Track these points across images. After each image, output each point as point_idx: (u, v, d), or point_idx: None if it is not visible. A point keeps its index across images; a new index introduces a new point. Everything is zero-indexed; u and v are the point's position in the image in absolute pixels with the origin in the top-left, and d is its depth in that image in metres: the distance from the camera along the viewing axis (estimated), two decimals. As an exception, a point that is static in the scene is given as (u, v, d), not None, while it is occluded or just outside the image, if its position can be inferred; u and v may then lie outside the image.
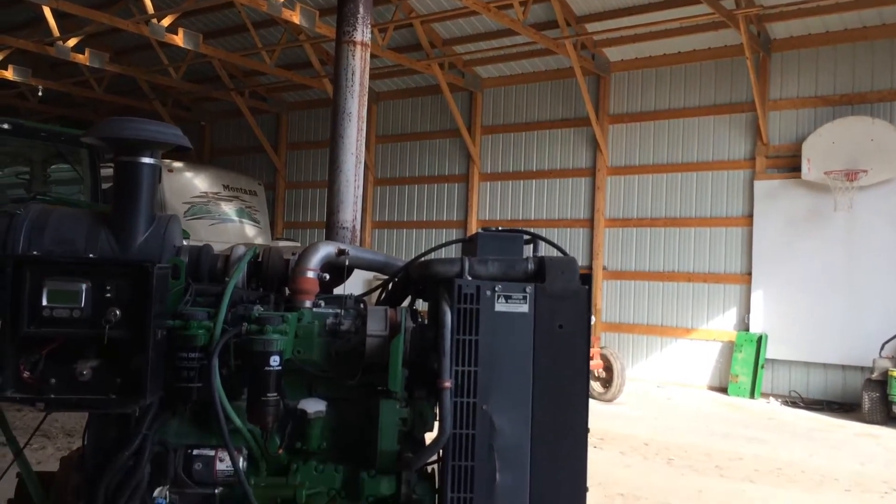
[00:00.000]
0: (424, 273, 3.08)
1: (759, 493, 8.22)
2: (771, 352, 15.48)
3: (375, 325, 3.00)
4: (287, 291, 3.31)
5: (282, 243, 16.83)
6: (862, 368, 14.01)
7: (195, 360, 2.93)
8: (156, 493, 2.85)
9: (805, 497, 8.21)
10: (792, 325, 15.12)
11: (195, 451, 2.94)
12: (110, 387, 2.75)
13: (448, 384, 2.89)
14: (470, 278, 2.98)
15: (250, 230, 18.74)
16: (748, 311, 15.79)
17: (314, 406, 3.02)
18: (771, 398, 15.16)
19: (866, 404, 13.34)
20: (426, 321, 3.12)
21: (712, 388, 15.85)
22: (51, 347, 2.78)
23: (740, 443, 10.83)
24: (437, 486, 3.06)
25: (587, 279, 3.03)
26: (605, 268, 17.10)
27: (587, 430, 2.98)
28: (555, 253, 3.20)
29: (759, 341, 15.68)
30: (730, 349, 15.94)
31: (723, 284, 16.00)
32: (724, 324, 15.97)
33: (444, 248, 3.55)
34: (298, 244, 17.18)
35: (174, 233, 3.18)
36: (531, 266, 3.03)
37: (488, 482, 2.91)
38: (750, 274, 15.60)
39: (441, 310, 2.94)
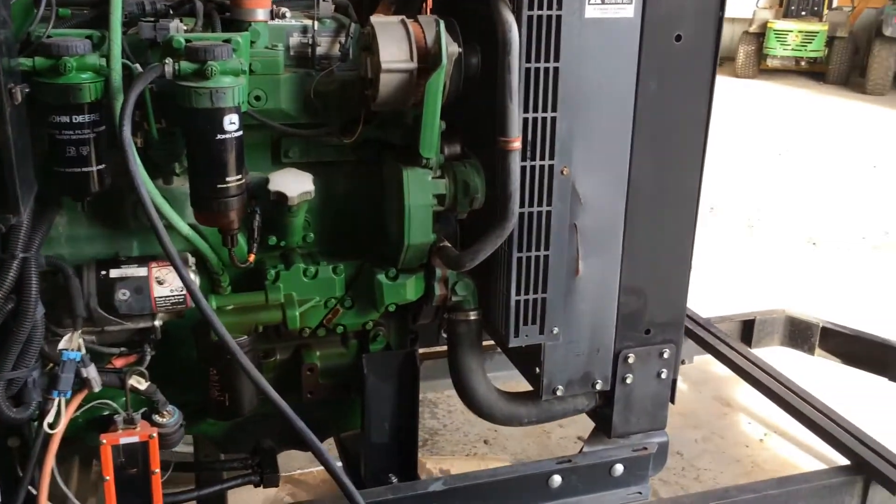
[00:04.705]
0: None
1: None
2: None
3: (393, 52, 1.79)
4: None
5: None
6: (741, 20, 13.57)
7: (85, 126, 1.68)
8: (62, 345, 1.76)
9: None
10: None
11: (114, 272, 1.81)
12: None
13: (517, 143, 1.83)
14: (544, -36, 1.78)
15: None
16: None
17: (296, 183, 1.90)
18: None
19: (740, 58, 13.24)
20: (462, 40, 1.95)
21: None
22: None
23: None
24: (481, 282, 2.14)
25: (722, -38, 1.91)
26: None
27: (699, 196, 2.08)
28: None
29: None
30: None
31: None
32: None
33: None
34: None
35: None
36: (636, -60, 1.85)
37: (567, 275, 2.02)
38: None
39: (501, 21, 1.77)
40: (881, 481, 2.36)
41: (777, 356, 3.46)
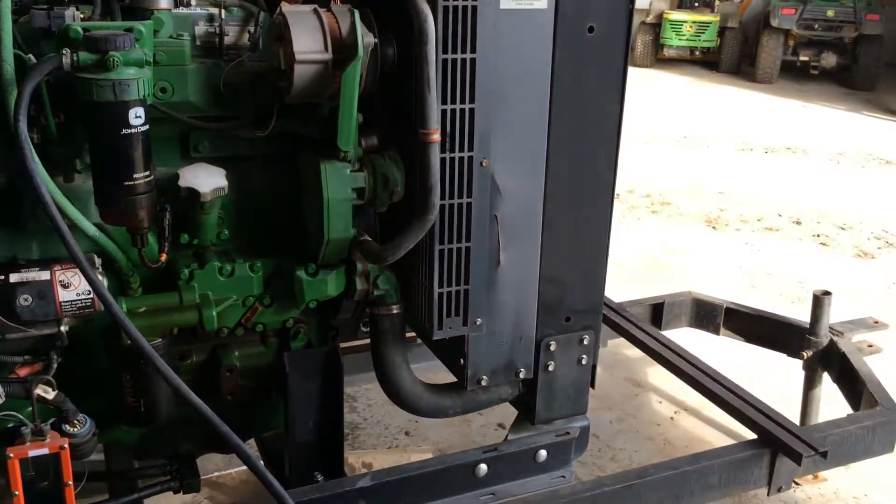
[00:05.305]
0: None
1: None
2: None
3: (307, 43, 1.75)
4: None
5: None
6: (638, 11, 13.97)
7: (-25, 121, 1.58)
8: (-41, 356, 1.65)
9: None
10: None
11: (14, 277, 1.71)
12: None
13: (437, 135, 1.81)
14: (459, -46, 1.77)
15: None
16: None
17: (209, 179, 1.83)
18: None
19: (639, 48, 13.62)
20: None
21: None
22: None
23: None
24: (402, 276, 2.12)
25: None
26: None
27: (614, 186, 2.11)
28: None
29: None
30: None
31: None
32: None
33: None
34: None
35: None
36: (549, -69, 1.86)
37: (489, 266, 2.02)
38: None
39: (417, 12, 1.74)
40: (787, 453, 2.46)
41: (685, 337, 3.58)
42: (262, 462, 2.46)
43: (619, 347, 4.25)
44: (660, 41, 13.55)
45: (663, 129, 9.64)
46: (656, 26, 13.49)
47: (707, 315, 3.64)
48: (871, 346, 3.34)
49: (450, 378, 2.27)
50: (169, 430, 2.12)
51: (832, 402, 3.33)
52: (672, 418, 3.85)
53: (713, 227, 6.44)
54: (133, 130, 1.63)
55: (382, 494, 2.05)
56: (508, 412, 3.41)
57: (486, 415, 3.68)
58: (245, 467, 3.19)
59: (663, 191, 7.25)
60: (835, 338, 3.25)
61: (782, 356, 3.48)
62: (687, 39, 13.63)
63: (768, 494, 2.62)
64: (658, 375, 4.12)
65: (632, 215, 6.61)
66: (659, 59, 13.85)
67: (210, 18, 1.87)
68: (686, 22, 13.48)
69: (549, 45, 1.92)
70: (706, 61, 14.05)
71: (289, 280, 2.00)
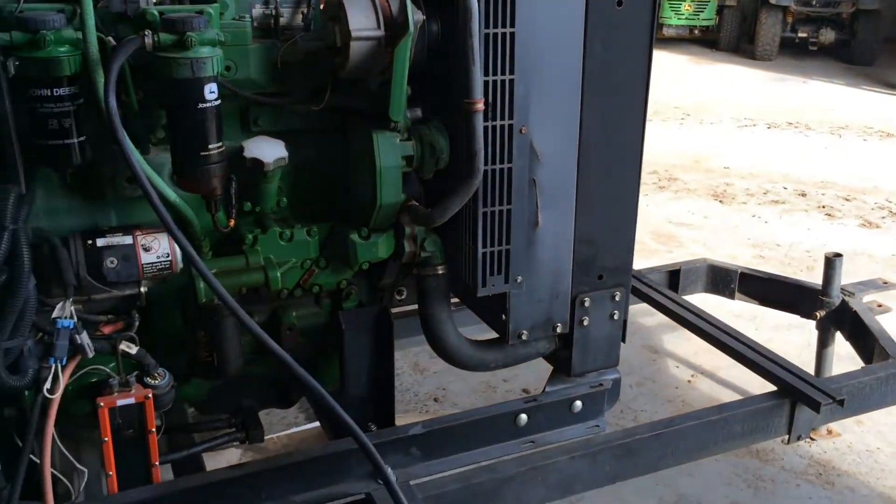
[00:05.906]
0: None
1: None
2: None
3: (362, 21, 1.89)
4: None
5: None
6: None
7: (66, 98, 1.72)
8: (55, 314, 1.81)
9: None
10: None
11: (101, 241, 1.86)
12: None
13: (481, 104, 1.96)
14: (498, -67, 1.91)
15: None
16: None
17: (271, 150, 1.98)
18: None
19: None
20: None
21: None
22: None
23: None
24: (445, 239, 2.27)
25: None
26: None
27: (642, 150, 2.26)
28: None
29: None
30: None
31: None
32: None
33: None
34: None
35: None
36: (580, -89, 2.00)
37: (528, 227, 2.17)
38: None
39: (461, -11, 1.89)
40: (806, 402, 2.61)
41: (702, 301, 3.73)
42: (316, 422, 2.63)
43: (635, 316, 4.40)
44: (659, 21, 13.61)
45: (665, 107, 9.77)
46: (656, 6, 13.56)
47: (722, 280, 3.79)
48: (880, 305, 3.49)
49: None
50: (232, 386, 2.27)
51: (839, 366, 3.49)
52: (689, 381, 4.01)
53: (720, 201, 6.59)
54: (208, 104, 1.77)
55: (433, 441, 2.20)
56: (532, 379, 3.59)
57: (510, 381, 3.85)
58: (285, 432, 3.38)
59: (669, 167, 7.38)
60: (846, 298, 3.38)
61: (794, 317, 3.64)
62: (686, 18, 13.72)
63: (788, 442, 2.78)
64: (674, 342, 4.28)
65: (642, 189, 6.75)
66: (659, 38, 13.91)
67: (266, 1, 2.01)
68: (685, 1, 13.58)
69: (581, 18, 2.06)
70: (705, 40, 14.15)
71: (343, 243, 2.15)
